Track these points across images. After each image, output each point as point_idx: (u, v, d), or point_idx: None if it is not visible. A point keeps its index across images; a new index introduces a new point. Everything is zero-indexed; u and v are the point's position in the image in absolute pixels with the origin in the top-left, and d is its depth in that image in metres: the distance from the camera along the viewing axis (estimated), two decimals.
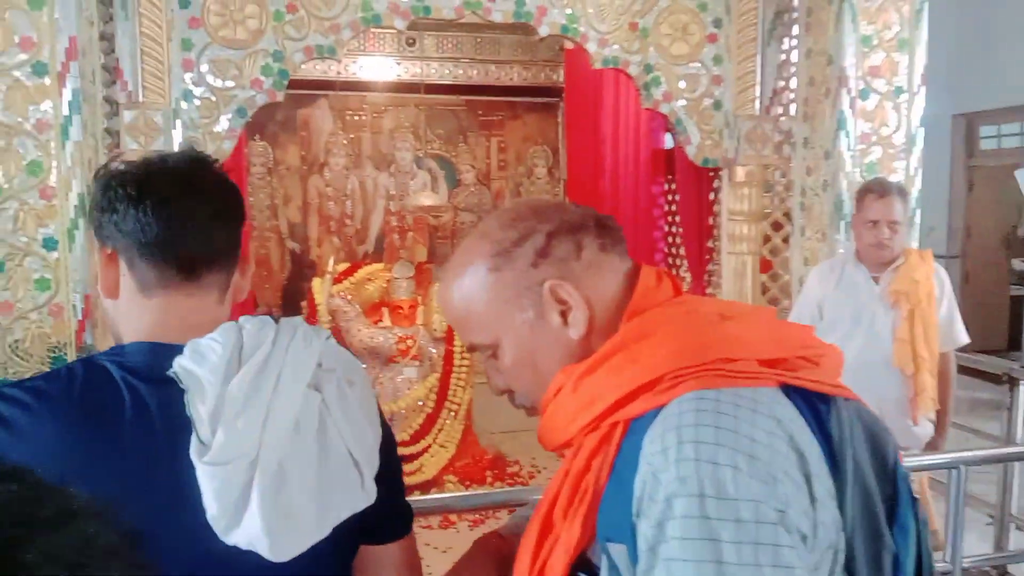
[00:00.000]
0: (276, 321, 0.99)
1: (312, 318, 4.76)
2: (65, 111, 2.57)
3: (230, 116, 3.01)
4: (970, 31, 7.23)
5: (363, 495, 0.98)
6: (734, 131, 3.42)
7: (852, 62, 3.14)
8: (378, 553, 1.08)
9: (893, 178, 3.14)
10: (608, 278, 0.91)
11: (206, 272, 1.01)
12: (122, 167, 1.00)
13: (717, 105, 3.43)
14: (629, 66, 3.35)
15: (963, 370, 3.20)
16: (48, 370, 1.16)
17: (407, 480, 4.47)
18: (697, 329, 0.85)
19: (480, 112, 5.90)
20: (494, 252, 0.91)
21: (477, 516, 3.93)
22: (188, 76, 2.97)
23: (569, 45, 4.52)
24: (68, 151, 2.58)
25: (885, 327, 2.90)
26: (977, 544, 3.66)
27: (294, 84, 3.66)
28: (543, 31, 3.27)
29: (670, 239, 4.45)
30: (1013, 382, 4.01)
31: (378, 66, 5.52)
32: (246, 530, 0.88)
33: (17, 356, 2.58)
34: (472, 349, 0.96)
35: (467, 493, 3.51)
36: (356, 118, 5.76)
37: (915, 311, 2.84)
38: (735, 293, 3.49)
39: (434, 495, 3.90)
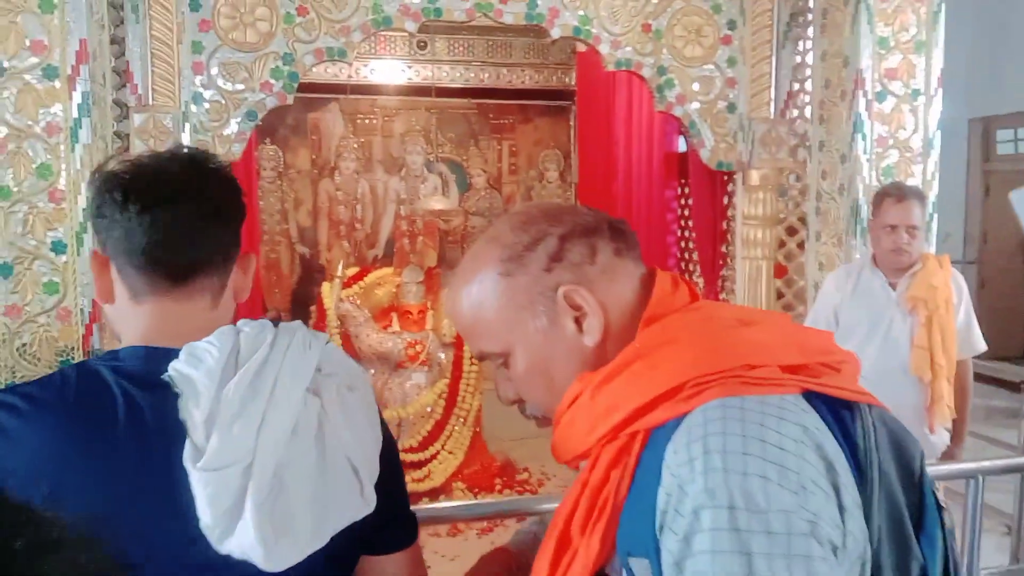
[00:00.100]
0: (276, 325, 0.96)
1: (321, 323, 4.75)
2: (75, 114, 2.56)
3: (240, 119, 2.99)
4: (986, 34, 7.16)
5: (362, 503, 0.95)
6: (748, 134, 3.38)
7: (868, 64, 3.10)
8: (381, 564, 1.05)
9: (910, 182, 3.10)
10: (623, 283, 0.88)
11: (197, 277, 0.99)
12: (115, 169, 0.97)
13: (731, 108, 3.40)
14: (642, 68, 3.32)
15: (978, 377, 3.16)
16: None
17: (415, 487, 4.46)
18: (718, 335, 0.82)
19: (491, 115, 5.88)
20: (505, 257, 0.88)
21: (486, 524, 3.89)
22: (198, 79, 2.96)
23: (581, 47, 4.48)
24: (78, 154, 2.56)
25: (902, 333, 2.85)
26: (994, 555, 3.61)
27: (305, 88, 3.64)
28: (555, 33, 3.24)
29: (683, 244, 4.41)
30: None
31: (389, 69, 5.51)
32: (240, 539, 0.86)
33: (25, 360, 2.56)
34: (482, 358, 0.92)
35: (475, 502, 3.48)
36: (367, 122, 5.75)
37: (933, 317, 2.80)
38: (749, 299, 3.44)
39: (442, 503, 3.87)
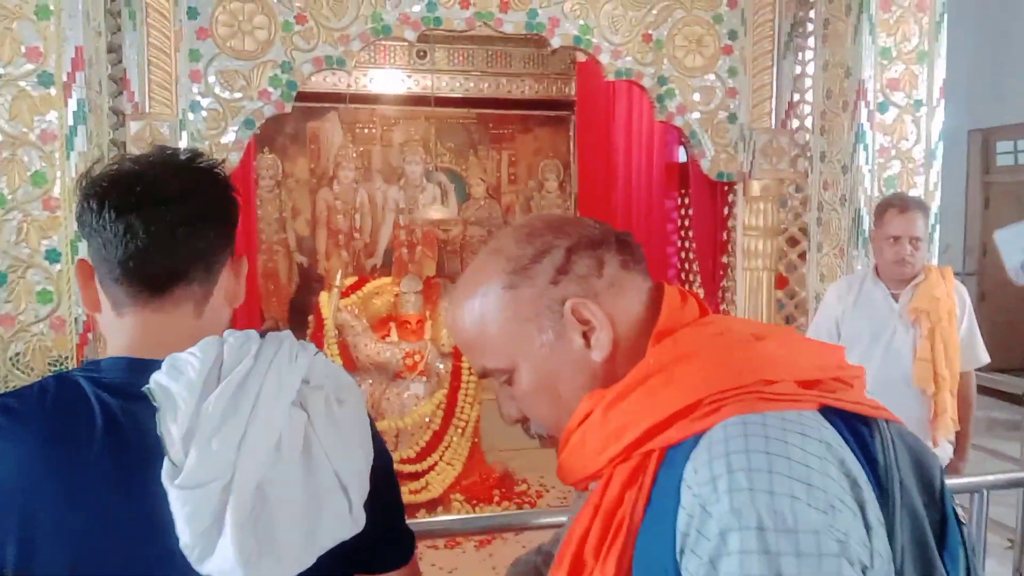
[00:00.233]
0: (263, 336, 0.93)
1: (319, 332, 4.72)
2: (70, 121, 2.54)
3: (237, 128, 2.97)
4: (987, 46, 7.17)
5: (351, 523, 0.91)
6: (749, 144, 3.36)
7: (870, 74, 3.09)
8: None
9: (912, 193, 3.08)
10: (631, 297, 0.86)
11: (177, 286, 0.95)
12: (96, 175, 0.93)
13: (732, 118, 3.38)
14: (643, 78, 3.30)
15: (979, 389, 3.13)
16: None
17: (412, 498, 4.41)
18: (733, 350, 0.80)
19: (491, 125, 5.87)
20: (510, 269, 0.85)
21: (484, 536, 3.86)
22: (195, 87, 2.94)
23: (581, 57, 4.48)
24: (73, 162, 2.54)
25: (905, 345, 2.83)
26: (996, 569, 3.58)
27: (304, 97, 3.63)
28: (555, 43, 3.23)
29: (683, 254, 4.39)
30: None
31: (388, 79, 5.50)
32: (220, 559, 0.82)
33: (18, 369, 2.53)
34: (484, 375, 0.89)
35: (473, 516, 3.45)
36: (366, 131, 5.73)
37: (936, 329, 2.77)
38: (750, 310, 3.42)
39: (440, 517, 3.83)
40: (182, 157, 0.98)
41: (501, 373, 0.88)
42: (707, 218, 3.82)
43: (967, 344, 2.89)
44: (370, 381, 4.74)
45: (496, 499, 4.68)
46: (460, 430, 4.74)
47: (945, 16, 3.11)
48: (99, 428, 0.86)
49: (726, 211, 3.68)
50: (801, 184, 3.50)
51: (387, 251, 5.76)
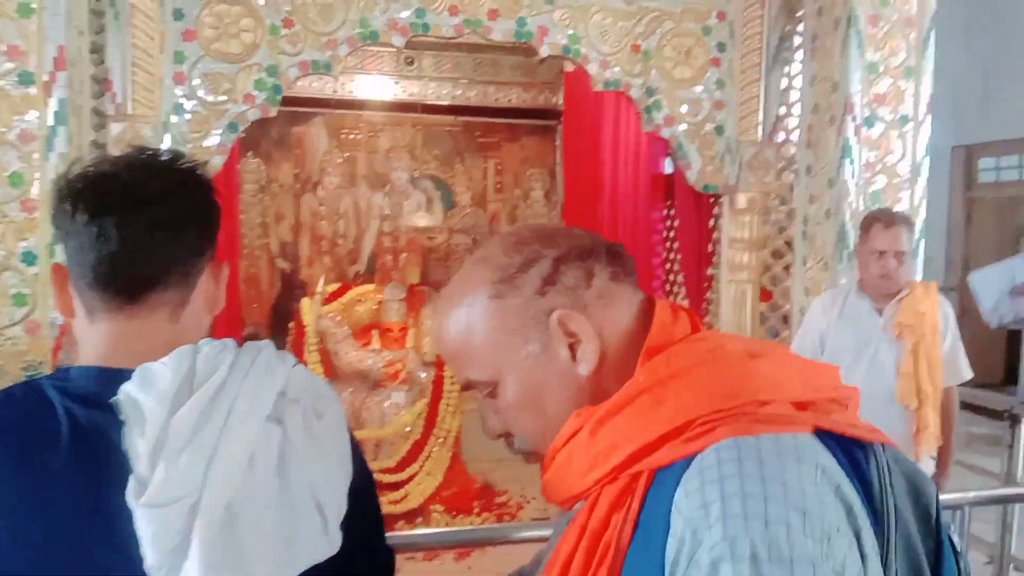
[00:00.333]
0: (244, 344, 0.90)
1: (300, 339, 4.68)
2: (50, 122, 2.50)
3: (221, 131, 2.94)
4: (971, 64, 7.24)
5: (327, 543, 0.87)
6: (736, 157, 3.36)
7: (858, 89, 3.09)
8: None
9: (898, 208, 3.09)
10: (620, 310, 0.83)
11: (152, 293, 0.91)
12: (73, 176, 0.90)
13: (719, 130, 3.38)
14: (631, 89, 3.30)
15: (960, 405, 3.14)
16: None
17: (391, 508, 4.37)
18: (726, 368, 0.77)
19: (477, 133, 5.84)
20: (496, 278, 0.83)
21: (463, 548, 3.82)
22: (179, 89, 2.90)
23: (569, 67, 4.47)
24: (52, 163, 2.50)
25: (889, 360, 2.83)
26: None
27: (290, 102, 3.59)
28: (544, 52, 3.22)
29: (668, 266, 4.38)
30: (1014, 419, 3.95)
31: (375, 85, 5.47)
32: None
33: None
34: (468, 386, 0.86)
35: (452, 530, 3.41)
36: (352, 137, 5.69)
37: (919, 344, 2.77)
38: (734, 322, 3.42)
39: (419, 530, 3.79)
40: (162, 158, 0.94)
41: (485, 385, 0.85)
42: (693, 230, 3.81)
43: (950, 359, 2.90)
44: (351, 389, 4.69)
45: (476, 510, 4.64)
46: (441, 440, 4.70)
47: (933, 32, 3.12)
48: (65, 439, 0.83)
49: (712, 223, 3.68)
50: (786, 197, 3.50)
51: (371, 258, 5.71)
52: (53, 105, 2.49)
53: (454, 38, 3.20)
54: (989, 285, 2.70)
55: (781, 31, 3.42)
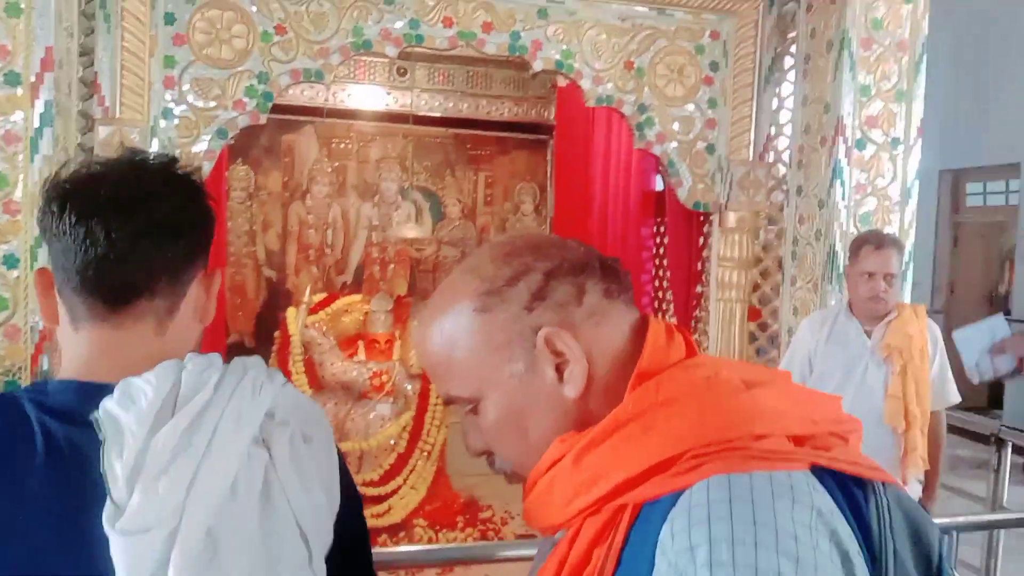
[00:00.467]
0: (230, 360, 0.87)
1: (285, 348, 4.63)
2: (36, 123, 2.47)
3: (210, 137, 2.91)
4: (960, 88, 7.30)
5: (310, 574, 0.83)
6: (727, 176, 3.36)
7: (849, 111, 3.10)
8: None
9: (887, 230, 3.09)
10: (612, 330, 0.79)
11: (139, 300, 0.87)
12: (61, 178, 0.87)
13: (710, 149, 3.38)
14: (623, 105, 3.29)
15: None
16: None
17: (374, 522, 4.32)
18: (720, 398, 0.73)
19: (468, 146, 5.83)
20: (483, 290, 0.78)
21: (446, 565, 3.78)
22: (168, 93, 2.87)
23: (562, 82, 4.47)
24: (36, 165, 2.47)
25: (877, 382, 2.83)
26: None
27: (280, 109, 3.56)
28: (537, 66, 3.21)
29: (657, 283, 4.37)
30: (1000, 443, 3.95)
31: (367, 95, 5.45)
32: None
33: None
34: (449, 402, 0.83)
35: (436, 547, 3.37)
36: (342, 146, 5.67)
37: (907, 367, 2.77)
38: (722, 341, 3.41)
39: (403, 547, 3.75)
40: (155, 161, 0.90)
41: (466, 402, 0.81)
42: (682, 247, 3.81)
43: (938, 383, 2.90)
44: (335, 401, 4.65)
45: (460, 525, 4.60)
46: (426, 454, 4.66)
47: (925, 56, 3.14)
48: (40, 457, 0.79)
49: (701, 241, 3.68)
50: (776, 217, 3.50)
51: (358, 268, 5.67)
52: (39, 107, 2.46)
53: (447, 50, 3.19)
54: (970, 343, 2.74)
55: (774, 51, 3.43)
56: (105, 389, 0.81)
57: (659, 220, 4.30)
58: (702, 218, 3.61)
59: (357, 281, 5.61)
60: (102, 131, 2.75)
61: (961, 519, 2.46)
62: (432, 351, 0.82)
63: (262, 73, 2.94)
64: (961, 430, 6.22)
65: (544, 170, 5.91)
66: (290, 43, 2.96)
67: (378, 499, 4.48)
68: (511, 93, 5.64)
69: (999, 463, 3.90)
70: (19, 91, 2.44)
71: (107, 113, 2.79)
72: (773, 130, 3.49)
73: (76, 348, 0.88)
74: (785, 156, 3.48)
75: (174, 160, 0.92)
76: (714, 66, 3.36)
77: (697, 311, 3.74)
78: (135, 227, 0.85)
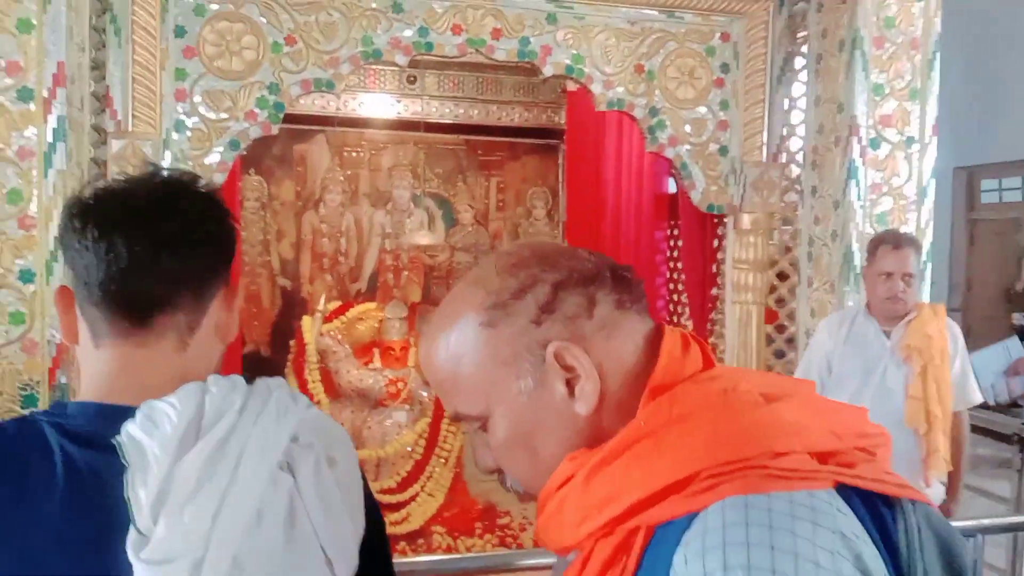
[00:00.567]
0: (251, 381, 0.84)
1: (300, 357, 4.64)
2: (49, 138, 2.48)
3: (222, 148, 2.92)
4: (972, 85, 7.23)
5: None
6: (740, 178, 3.34)
7: (863, 111, 3.07)
8: None
9: (904, 230, 3.06)
10: (624, 341, 0.75)
11: (160, 315, 0.86)
12: (84, 194, 0.86)
13: (723, 151, 3.36)
14: (634, 109, 3.28)
15: None
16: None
17: (392, 530, 4.31)
18: (739, 414, 0.69)
19: (480, 152, 5.83)
20: (489, 304, 0.75)
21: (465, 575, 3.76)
22: (180, 106, 2.88)
23: (572, 86, 4.46)
24: (51, 180, 2.48)
25: (897, 383, 2.79)
26: None
27: (292, 119, 3.57)
28: (547, 71, 3.20)
29: (672, 286, 4.35)
30: (1023, 442, 3.89)
31: (378, 103, 5.46)
32: None
33: None
34: (457, 419, 0.80)
35: (455, 557, 3.35)
36: (354, 155, 5.68)
37: (928, 367, 2.74)
38: (739, 344, 3.38)
39: (421, 557, 3.73)
40: (177, 178, 0.90)
41: (474, 419, 0.78)
42: (696, 250, 3.78)
43: (960, 383, 2.86)
44: (351, 408, 4.65)
45: (478, 532, 4.59)
46: (443, 460, 4.66)
47: (938, 54, 3.11)
48: (60, 482, 0.77)
49: (716, 243, 3.65)
50: (790, 218, 3.48)
51: (372, 276, 5.68)
52: (52, 122, 2.47)
53: (457, 57, 3.18)
54: (986, 365, 2.71)
55: (785, 52, 3.41)
56: (126, 412, 0.80)
57: (672, 223, 4.28)
58: (716, 220, 3.59)
59: (371, 289, 5.62)
60: (115, 144, 2.77)
61: (987, 521, 2.42)
62: (438, 367, 0.79)
63: (273, 84, 2.95)
64: (983, 429, 6.15)
65: (556, 175, 5.91)
66: (300, 53, 2.97)
67: (396, 506, 4.47)
68: (521, 98, 5.64)
69: (1023, 463, 3.85)
70: (32, 106, 2.45)
71: (120, 127, 2.80)
72: (786, 131, 3.46)
73: (96, 367, 0.86)
74: (798, 157, 3.46)
75: (197, 177, 0.91)
76: (725, 68, 3.34)
77: (713, 314, 3.72)
78: (157, 240, 0.84)
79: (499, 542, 4.55)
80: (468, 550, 4.46)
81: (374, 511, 0.93)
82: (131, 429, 0.78)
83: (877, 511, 0.66)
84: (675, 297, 4.33)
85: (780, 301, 3.49)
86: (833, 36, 3.19)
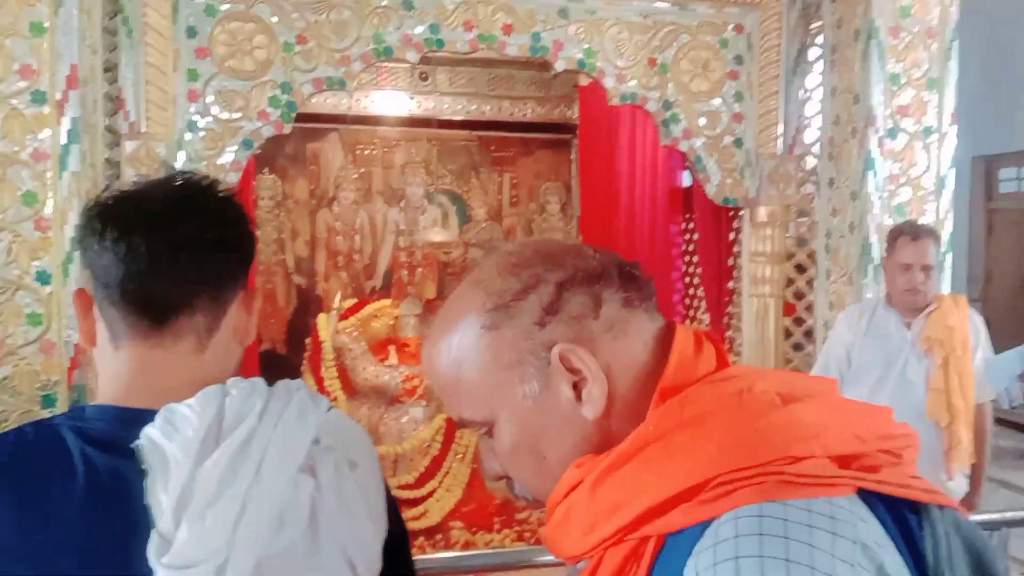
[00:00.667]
0: (271, 383, 0.84)
1: (316, 355, 4.65)
2: (63, 140, 2.49)
3: (235, 148, 2.92)
4: (990, 73, 7.15)
5: None
6: (756, 170, 3.31)
7: (880, 100, 3.04)
8: None
9: (923, 220, 3.02)
10: (633, 342, 0.72)
11: (179, 315, 0.86)
12: (103, 197, 0.87)
13: (738, 143, 3.33)
14: (647, 102, 3.26)
15: None
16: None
17: (410, 525, 4.31)
18: (753, 416, 0.65)
19: (492, 148, 5.82)
20: (491, 306, 0.72)
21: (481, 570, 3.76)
22: (193, 106, 2.88)
23: (584, 81, 4.44)
24: (65, 182, 2.49)
25: (918, 375, 2.76)
26: None
27: (305, 118, 3.57)
28: (559, 66, 3.18)
29: (688, 280, 4.32)
30: None
31: (390, 101, 5.46)
32: None
33: (5, 394, 2.46)
34: (462, 425, 0.77)
35: (472, 553, 3.34)
36: (367, 152, 5.69)
37: (950, 359, 2.71)
38: (757, 337, 3.36)
39: (439, 554, 3.73)
40: (196, 180, 0.90)
41: (479, 425, 0.75)
42: (712, 243, 3.76)
43: (982, 375, 2.83)
44: (368, 405, 4.66)
45: (496, 527, 4.59)
46: (460, 456, 4.66)
47: (956, 42, 3.07)
48: (80, 488, 0.77)
49: (732, 236, 3.63)
50: (807, 210, 3.45)
51: (387, 273, 5.69)
52: (66, 124, 2.48)
53: (469, 53, 3.17)
54: (1001, 369, 2.67)
55: (799, 43, 3.37)
56: (146, 415, 0.79)
57: (688, 216, 4.26)
58: (732, 213, 3.56)
59: (386, 286, 5.63)
60: (129, 146, 2.78)
61: (1010, 515, 2.39)
62: (439, 373, 0.76)
63: (285, 83, 2.94)
64: (1004, 421, 6.10)
65: (569, 170, 5.89)
66: (312, 52, 2.96)
67: (414, 502, 4.48)
68: (534, 94, 5.62)
69: None
70: (46, 109, 2.46)
71: (133, 128, 2.81)
72: (801, 122, 3.43)
73: (114, 369, 0.86)
74: (814, 148, 3.43)
75: (215, 180, 0.92)
76: (739, 60, 3.31)
77: (730, 307, 3.69)
78: (176, 241, 0.85)
79: (517, 537, 4.55)
80: (486, 545, 4.47)
81: (395, 513, 0.92)
82: (151, 433, 0.77)
83: (902, 518, 0.63)
84: (691, 291, 4.30)
85: (798, 294, 3.46)
86: (848, 26, 3.15)
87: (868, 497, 0.62)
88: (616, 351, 0.71)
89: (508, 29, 3.08)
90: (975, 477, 2.87)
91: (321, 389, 4.50)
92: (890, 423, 0.70)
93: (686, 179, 4.14)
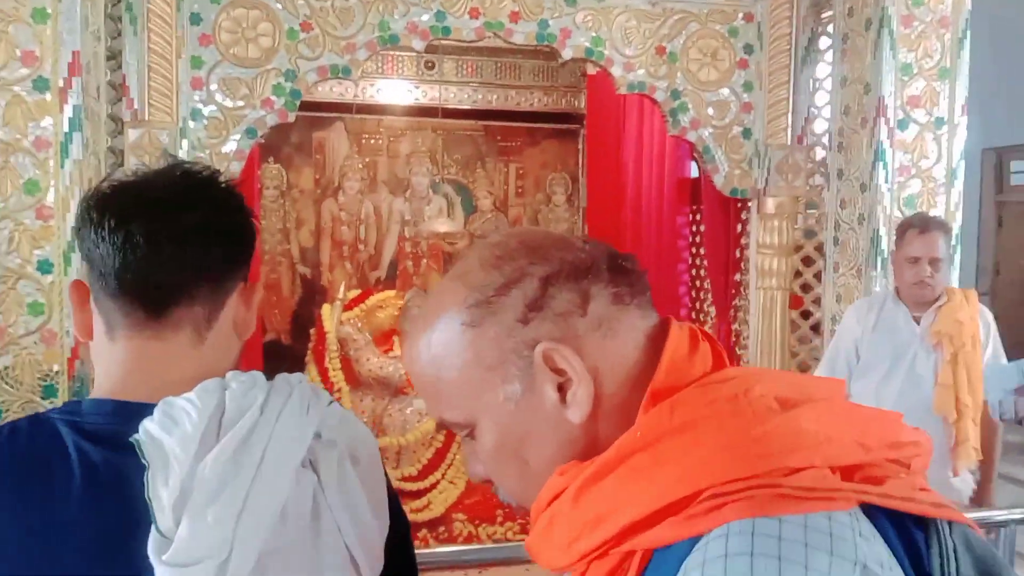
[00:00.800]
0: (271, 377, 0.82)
1: (320, 345, 4.63)
2: (66, 128, 2.47)
3: (239, 136, 2.90)
4: (1001, 65, 7.08)
5: None
6: (764, 161, 3.28)
7: (891, 91, 3.00)
8: None
9: (933, 213, 2.99)
10: (623, 341, 0.68)
11: (178, 304, 0.84)
12: (102, 186, 0.85)
13: (747, 133, 3.30)
14: (655, 91, 3.22)
15: None
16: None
17: (413, 517, 4.29)
18: (748, 423, 0.61)
19: (499, 137, 5.79)
20: (472, 301, 0.68)
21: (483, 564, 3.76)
22: (197, 94, 2.86)
23: (592, 70, 4.41)
24: (67, 170, 2.47)
25: (926, 370, 2.73)
26: None
27: (310, 107, 3.54)
28: (567, 55, 3.15)
29: (694, 272, 4.29)
30: None
31: (396, 89, 5.43)
32: None
33: (6, 384, 2.45)
34: (443, 426, 0.75)
35: (474, 547, 3.34)
36: (372, 142, 5.66)
37: (958, 354, 2.67)
38: (764, 330, 3.33)
39: (442, 548, 3.72)
40: (197, 170, 0.88)
41: (460, 427, 0.71)
42: (720, 235, 3.73)
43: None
44: (372, 396, 4.64)
45: (499, 519, 4.58)
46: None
47: (968, 32, 3.02)
48: (77, 484, 0.75)
49: (739, 228, 3.60)
50: (815, 202, 3.41)
51: (392, 263, 5.68)
52: (68, 111, 2.46)
53: (475, 41, 3.14)
54: (997, 382, 2.64)
55: (810, 32, 3.33)
56: (144, 409, 0.78)
57: (695, 208, 4.23)
58: (739, 204, 3.53)
59: (391, 276, 5.62)
60: (132, 134, 2.76)
61: (1018, 512, 2.37)
62: (419, 371, 0.71)
63: (289, 71, 2.92)
64: None
65: (576, 160, 5.86)
66: (316, 40, 2.93)
67: (417, 494, 4.47)
68: (540, 83, 5.58)
69: None
70: (48, 96, 2.44)
71: (136, 116, 2.79)
72: (811, 113, 3.40)
73: (111, 361, 0.85)
74: (824, 139, 3.39)
75: (216, 171, 0.90)
76: (748, 49, 3.28)
77: (737, 300, 3.67)
78: (175, 231, 0.83)
79: (520, 529, 4.53)
80: (489, 537, 4.46)
81: (397, 508, 0.91)
82: (150, 427, 0.76)
83: (908, 534, 0.59)
84: (698, 283, 4.28)
85: (806, 287, 3.43)
86: (859, 15, 3.11)
87: (872, 511, 0.58)
88: (604, 350, 0.67)
89: (515, 16, 3.05)
90: (984, 475, 2.84)
91: (325, 380, 4.49)
92: (899, 429, 0.66)
93: (694, 170, 4.11)
